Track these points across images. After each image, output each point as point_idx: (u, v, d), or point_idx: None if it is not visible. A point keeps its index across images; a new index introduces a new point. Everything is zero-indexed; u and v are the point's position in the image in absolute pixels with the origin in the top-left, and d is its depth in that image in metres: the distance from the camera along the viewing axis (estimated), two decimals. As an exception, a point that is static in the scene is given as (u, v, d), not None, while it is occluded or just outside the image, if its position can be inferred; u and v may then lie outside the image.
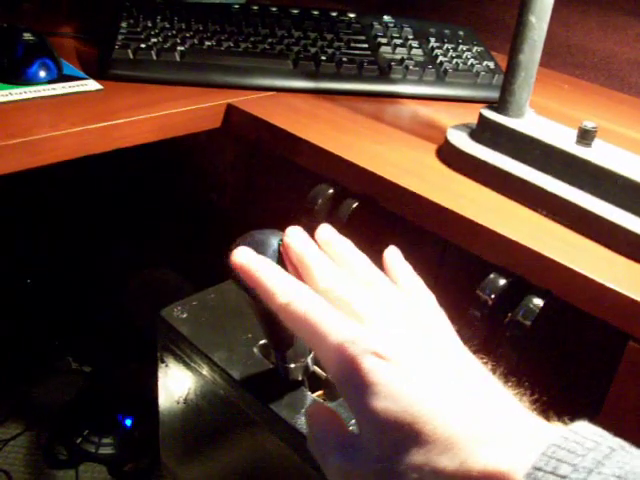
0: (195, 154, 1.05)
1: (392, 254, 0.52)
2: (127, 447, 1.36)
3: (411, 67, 0.95)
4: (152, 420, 0.75)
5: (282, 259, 0.49)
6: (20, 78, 0.81)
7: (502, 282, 0.65)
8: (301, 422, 0.56)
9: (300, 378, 0.59)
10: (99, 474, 1.36)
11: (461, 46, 1.04)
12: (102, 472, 1.36)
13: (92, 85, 0.84)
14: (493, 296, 0.65)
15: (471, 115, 0.81)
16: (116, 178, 1.30)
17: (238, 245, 0.48)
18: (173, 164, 1.14)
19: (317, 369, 0.63)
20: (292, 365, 0.58)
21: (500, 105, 0.76)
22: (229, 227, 0.98)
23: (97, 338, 1.49)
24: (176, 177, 1.15)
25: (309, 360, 0.59)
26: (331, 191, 0.78)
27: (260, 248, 0.49)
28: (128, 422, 1.38)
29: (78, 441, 1.35)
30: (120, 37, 0.91)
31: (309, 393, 0.60)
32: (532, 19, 0.71)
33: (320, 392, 0.63)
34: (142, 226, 1.31)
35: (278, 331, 0.54)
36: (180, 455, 0.75)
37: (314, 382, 0.63)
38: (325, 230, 0.51)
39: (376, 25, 1.05)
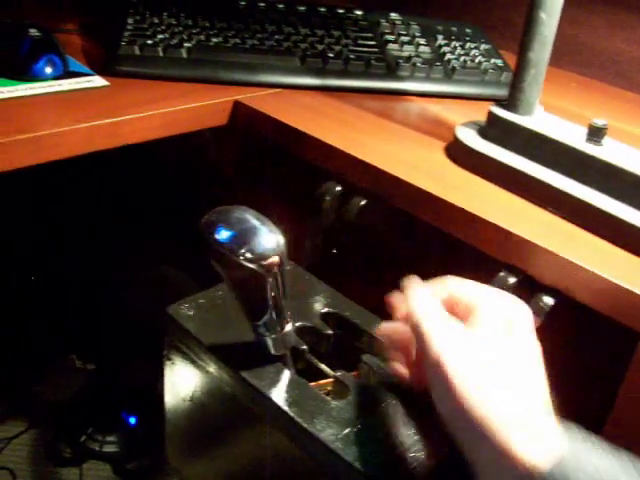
0: (202, 151, 1.04)
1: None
2: (131, 445, 1.36)
3: (418, 64, 0.95)
4: (156, 418, 0.75)
5: None
6: (26, 74, 0.81)
7: (512, 280, 0.65)
8: (308, 420, 0.56)
9: (280, 352, 0.60)
10: (103, 472, 1.36)
11: (469, 44, 1.03)
12: (106, 470, 1.36)
13: (98, 81, 0.84)
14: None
15: (479, 113, 0.81)
16: (121, 175, 1.29)
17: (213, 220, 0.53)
18: (180, 161, 1.14)
19: (313, 359, 0.63)
20: (270, 336, 0.58)
21: (509, 102, 0.75)
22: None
23: (101, 336, 1.49)
24: (183, 174, 1.15)
25: (287, 332, 0.59)
26: (339, 188, 0.78)
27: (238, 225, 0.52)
28: (132, 420, 1.37)
29: (82, 439, 1.35)
30: (127, 33, 0.90)
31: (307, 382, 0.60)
32: (542, 15, 0.70)
33: (318, 382, 0.63)
34: (147, 223, 1.31)
35: (250, 297, 0.56)
36: (186, 453, 0.74)
37: (311, 372, 0.63)
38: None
39: (383, 22, 1.04)
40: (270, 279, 0.54)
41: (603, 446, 0.43)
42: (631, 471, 0.41)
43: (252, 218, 0.53)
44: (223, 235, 0.52)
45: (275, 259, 0.53)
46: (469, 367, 0.46)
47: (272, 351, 0.59)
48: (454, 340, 0.48)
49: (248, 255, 0.52)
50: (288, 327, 0.59)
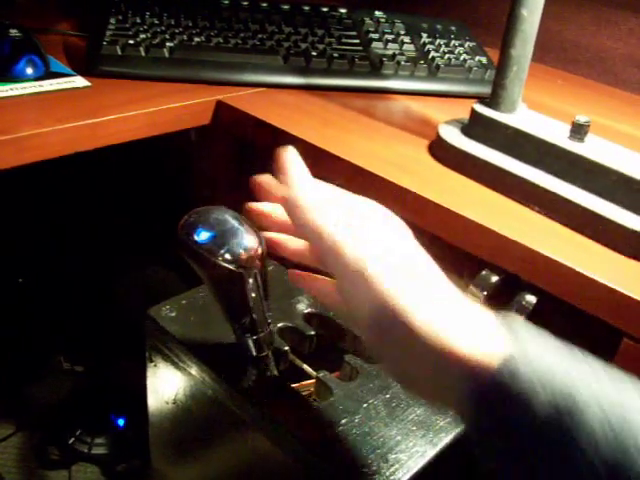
0: (186, 151, 1.04)
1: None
2: (120, 447, 1.35)
3: (403, 62, 0.94)
4: (145, 420, 0.75)
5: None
6: (6, 75, 0.80)
7: (494, 279, 0.65)
8: (290, 422, 0.55)
9: (262, 353, 0.59)
10: (92, 474, 1.35)
11: (453, 41, 1.03)
12: (95, 472, 1.35)
13: (80, 82, 0.83)
14: (485, 293, 0.65)
15: (463, 110, 0.80)
16: (123, 175, 1.29)
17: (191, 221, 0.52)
18: (165, 161, 1.13)
19: (296, 360, 0.63)
20: (252, 337, 0.58)
21: (492, 100, 0.75)
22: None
23: (89, 338, 1.48)
24: (168, 174, 1.14)
25: (268, 333, 0.58)
26: (322, 188, 0.77)
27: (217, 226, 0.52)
28: (121, 422, 1.37)
29: (71, 441, 1.34)
30: (108, 33, 0.90)
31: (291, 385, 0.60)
32: (524, 12, 0.70)
33: (301, 383, 0.63)
34: (134, 224, 1.30)
35: (230, 298, 0.56)
36: (170, 456, 0.74)
37: (293, 373, 0.63)
38: None
39: (367, 20, 1.04)
40: (250, 280, 0.54)
41: (551, 340, 0.41)
42: (583, 366, 0.39)
43: (231, 219, 0.53)
44: (202, 236, 0.52)
45: (254, 260, 0.53)
46: (371, 253, 0.44)
47: (253, 352, 0.59)
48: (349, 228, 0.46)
49: (227, 256, 0.51)
50: (269, 328, 0.59)
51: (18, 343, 1.46)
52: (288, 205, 0.49)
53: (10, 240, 1.37)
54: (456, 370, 0.39)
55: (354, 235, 0.45)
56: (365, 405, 0.57)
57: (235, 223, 0.53)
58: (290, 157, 0.52)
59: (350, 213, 0.48)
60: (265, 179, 0.55)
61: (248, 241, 0.52)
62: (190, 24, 0.95)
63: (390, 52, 0.97)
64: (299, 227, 0.48)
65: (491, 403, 0.38)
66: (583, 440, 0.35)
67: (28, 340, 1.47)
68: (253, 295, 0.55)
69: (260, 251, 0.53)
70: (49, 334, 1.49)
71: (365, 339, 0.47)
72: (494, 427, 0.38)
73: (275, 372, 0.61)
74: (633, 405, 0.36)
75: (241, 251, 0.52)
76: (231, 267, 0.52)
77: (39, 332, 1.47)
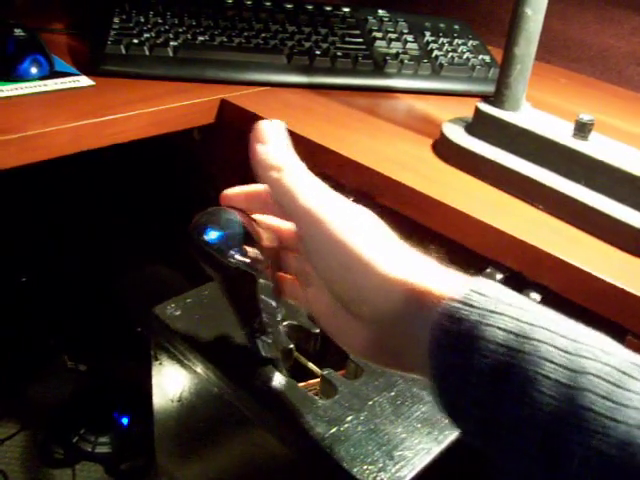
0: (190, 150, 1.04)
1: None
2: (124, 446, 1.36)
3: (406, 61, 0.94)
4: (149, 418, 0.75)
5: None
6: (11, 74, 0.80)
7: (499, 277, 0.65)
8: (295, 419, 0.55)
9: (270, 354, 0.59)
10: (96, 473, 1.35)
11: (456, 40, 1.03)
12: (99, 471, 1.35)
13: (84, 81, 0.84)
14: (490, 291, 0.65)
15: (467, 109, 0.81)
16: (121, 175, 1.29)
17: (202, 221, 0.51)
18: (169, 161, 1.13)
19: (301, 358, 0.63)
20: (261, 338, 0.58)
21: (496, 98, 0.75)
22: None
23: (93, 336, 1.49)
24: (172, 173, 1.14)
25: (279, 332, 0.58)
26: (326, 186, 0.77)
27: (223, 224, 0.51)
28: (125, 421, 1.37)
29: (75, 440, 1.35)
30: (112, 32, 0.90)
31: (297, 384, 0.60)
32: (528, 11, 0.70)
33: (307, 382, 0.63)
34: (138, 223, 1.30)
35: (241, 299, 0.55)
36: (175, 454, 0.74)
37: (299, 371, 0.63)
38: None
39: (371, 19, 1.04)
40: (261, 280, 0.53)
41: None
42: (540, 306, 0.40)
43: (242, 219, 0.53)
44: (212, 236, 0.51)
45: (265, 259, 0.53)
46: (345, 216, 0.46)
47: (263, 353, 0.59)
48: (321, 190, 0.48)
49: (238, 257, 0.51)
50: (279, 328, 0.58)
51: (21, 343, 1.46)
52: (273, 184, 0.48)
53: (9, 240, 1.37)
54: (413, 301, 0.40)
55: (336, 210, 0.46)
56: (370, 403, 0.57)
57: (246, 223, 0.53)
58: (274, 130, 0.50)
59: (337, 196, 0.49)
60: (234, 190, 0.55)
61: (259, 241, 0.52)
62: (194, 23, 0.95)
63: (393, 51, 0.97)
64: (282, 207, 0.48)
65: (446, 329, 0.38)
66: (538, 363, 0.35)
67: (31, 340, 1.47)
68: (263, 296, 0.55)
69: (270, 250, 0.53)
70: (52, 333, 1.50)
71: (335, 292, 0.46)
72: (449, 351, 0.38)
73: (284, 372, 0.60)
74: (585, 334, 0.38)
75: (252, 251, 0.52)
76: (242, 267, 0.52)
77: (41, 332, 1.47)
